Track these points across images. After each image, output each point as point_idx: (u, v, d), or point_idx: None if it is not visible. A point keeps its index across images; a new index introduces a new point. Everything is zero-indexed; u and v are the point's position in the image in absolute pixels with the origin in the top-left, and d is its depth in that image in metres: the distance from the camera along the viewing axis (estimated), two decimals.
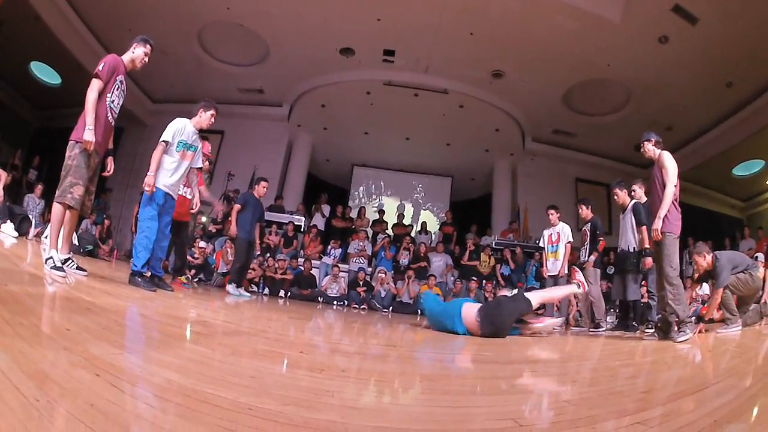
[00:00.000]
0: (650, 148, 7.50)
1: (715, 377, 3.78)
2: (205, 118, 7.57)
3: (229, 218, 11.47)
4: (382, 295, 15.09)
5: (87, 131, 5.80)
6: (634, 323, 9.63)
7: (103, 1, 15.84)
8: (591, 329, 10.22)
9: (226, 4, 16.02)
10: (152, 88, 21.60)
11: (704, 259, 8.43)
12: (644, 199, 10.04)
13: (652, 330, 9.30)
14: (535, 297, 7.06)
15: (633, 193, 10.15)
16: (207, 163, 10.45)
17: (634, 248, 9.57)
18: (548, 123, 21.83)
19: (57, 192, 5.93)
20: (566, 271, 11.42)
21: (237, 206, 11.22)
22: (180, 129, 7.20)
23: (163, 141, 7.02)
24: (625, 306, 9.96)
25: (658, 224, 7.06)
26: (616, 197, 10.20)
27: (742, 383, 3.38)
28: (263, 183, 11.45)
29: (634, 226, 9.61)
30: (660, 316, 7.46)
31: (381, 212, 21.99)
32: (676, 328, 7.07)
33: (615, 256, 10.19)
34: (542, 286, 12.60)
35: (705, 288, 11.99)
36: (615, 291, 10.19)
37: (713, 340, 7.10)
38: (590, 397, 2.75)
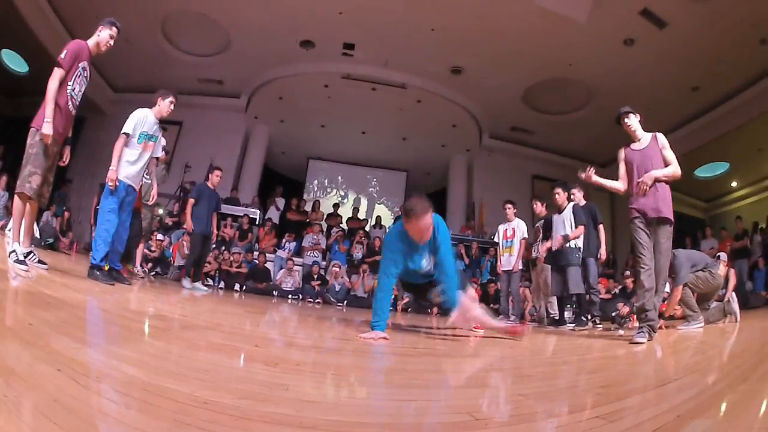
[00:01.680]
0: (637, 124, 7.08)
1: (676, 373, 3.77)
2: (164, 106, 7.53)
3: (185, 211, 11.24)
4: (337, 289, 15.14)
5: (45, 124, 5.71)
6: (583, 317, 9.63)
7: None
8: (548, 325, 10.32)
9: None
10: (114, 77, 21.28)
11: None
12: (583, 202, 10.39)
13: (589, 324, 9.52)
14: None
15: (572, 197, 10.34)
16: (164, 153, 10.38)
17: (575, 244, 9.67)
18: (506, 120, 21.97)
19: (17, 182, 5.86)
20: (520, 267, 11.55)
21: (191, 200, 11.08)
22: (141, 120, 7.15)
23: (124, 133, 6.98)
24: (581, 300, 9.90)
25: (659, 173, 6.63)
26: (557, 196, 10.17)
27: (705, 380, 3.39)
28: (217, 172, 11.34)
29: (572, 223, 9.75)
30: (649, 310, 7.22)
31: (336, 206, 22.10)
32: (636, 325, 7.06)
33: (551, 253, 10.14)
34: (497, 282, 12.73)
35: (666, 286, 12.15)
36: (555, 287, 10.19)
37: (675, 336, 7.14)
38: (547, 392, 2.78)
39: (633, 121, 7.05)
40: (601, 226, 10.29)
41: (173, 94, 7.64)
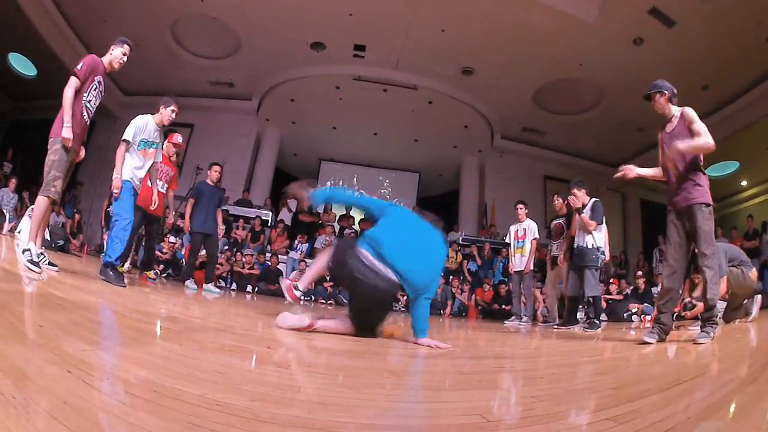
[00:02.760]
0: (663, 103, 6.63)
1: (687, 374, 3.70)
2: (165, 114, 7.55)
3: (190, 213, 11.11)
4: None
5: (65, 128, 5.92)
6: (595, 320, 9.40)
7: None
8: (557, 326, 10.25)
9: None
10: (123, 80, 21.24)
11: None
12: (587, 199, 9.94)
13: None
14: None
15: (575, 195, 9.89)
16: (176, 156, 10.40)
17: (593, 244, 9.46)
18: (518, 121, 21.96)
19: (42, 186, 6.01)
20: (532, 267, 11.49)
21: (191, 200, 11.05)
22: (141, 126, 7.24)
23: (124, 140, 7.06)
24: (597, 303, 9.70)
25: (683, 146, 5.94)
26: (573, 197, 9.84)
27: (715, 381, 3.39)
28: (215, 167, 11.27)
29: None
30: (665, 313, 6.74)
31: (348, 207, 21.94)
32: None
33: (572, 252, 9.95)
34: (509, 283, 12.67)
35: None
36: (571, 286, 9.96)
37: (685, 336, 7.05)
38: (558, 394, 2.76)
39: (658, 103, 6.67)
40: (604, 226, 9.89)
41: (175, 103, 7.65)
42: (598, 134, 20.93)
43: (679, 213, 6.18)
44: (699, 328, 6.23)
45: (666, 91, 6.66)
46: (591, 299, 9.61)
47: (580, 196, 9.84)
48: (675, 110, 6.56)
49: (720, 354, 5.18)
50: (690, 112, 6.37)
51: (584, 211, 9.71)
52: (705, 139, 6.01)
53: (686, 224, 6.11)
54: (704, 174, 6.18)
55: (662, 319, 6.10)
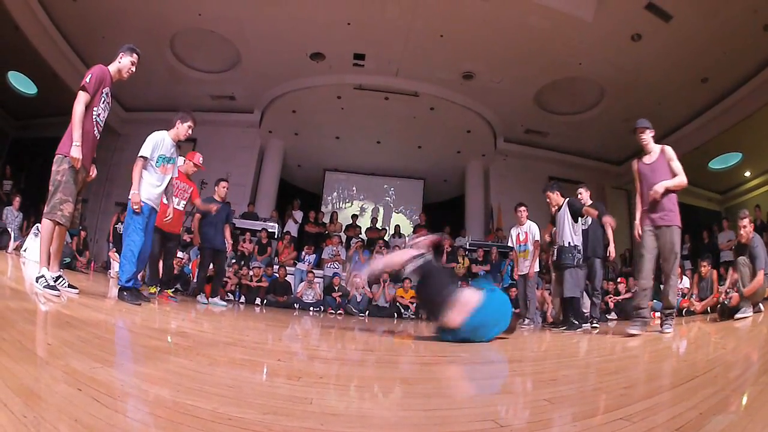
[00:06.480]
0: (649, 139, 7.64)
1: (698, 369, 3.69)
2: (182, 129, 7.48)
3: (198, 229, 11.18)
4: (358, 300, 15.08)
5: (74, 148, 5.69)
6: (574, 321, 9.32)
7: (78, 10, 15.61)
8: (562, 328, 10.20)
9: (198, 10, 15.92)
10: (124, 96, 21.09)
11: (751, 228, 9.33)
12: (589, 201, 10.20)
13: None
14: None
15: (579, 196, 10.27)
16: (195, 171, 10.39)
17: (569, 243, 9.49)
18: (520, 123, 21.85)
19: (45, 208, 5.81)
20: (536, 270, 11.44)
21: (197, 216, 11.10)
22: (159, 143, 7.12)
23: (142, 156, 6.93)
24: (575, 304, 9.66)
25: (668, 184, 7.24)
26: (548, 200, 10.18)
27: (726, 374, 3.37)
28: (222, 183, 11.34)
29: (571, 222, 9.64)
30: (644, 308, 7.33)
31: (354, 217, 22.03)
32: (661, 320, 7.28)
33: (554, 252, 9.99)
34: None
35: (685, 281, 12.25)
36: (554, 288, 10.17)
37: (695, 331, 7.12)
38: (570, 395, 2.76)
39: (647, 137, 7.60)
40: (608, 227, 9.82)
41: (192, 118, 7.62)
42: (600, 132, 20.85)
43: (655, 227, 7.32)
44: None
45: (652, 129, 7.76)
46: (569, 300, 9.53)
47: (555, 198, 10.12)
48: (654, 146, 7.71)
49: (731, 346, 5.20)
50: (671, 150, 7.61)
51: (561, 211, 9.84)
52: (681, 178, 7.39)
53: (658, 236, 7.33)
54: (675, 195, 7.49)
55: (642, 313, 7.25)
